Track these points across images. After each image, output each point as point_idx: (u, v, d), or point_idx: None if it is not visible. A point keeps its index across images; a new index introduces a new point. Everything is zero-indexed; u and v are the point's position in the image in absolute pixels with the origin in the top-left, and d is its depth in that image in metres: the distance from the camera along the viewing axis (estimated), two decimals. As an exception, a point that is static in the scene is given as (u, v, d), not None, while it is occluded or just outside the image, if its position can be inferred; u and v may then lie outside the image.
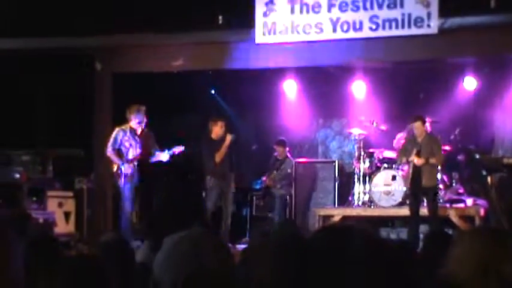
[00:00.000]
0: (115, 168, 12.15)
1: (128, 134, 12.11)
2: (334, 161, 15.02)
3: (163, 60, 13.33)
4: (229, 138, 12.58)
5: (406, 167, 12.88)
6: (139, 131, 12.18)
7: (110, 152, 12.09)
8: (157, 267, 2.38)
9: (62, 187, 13.86)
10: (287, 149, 14.44)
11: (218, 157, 12.50)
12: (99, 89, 13.54)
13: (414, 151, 11.81)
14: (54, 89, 14.66)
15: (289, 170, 14.40)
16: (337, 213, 13.30)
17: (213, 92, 16.13)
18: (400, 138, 13.32)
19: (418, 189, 11.89)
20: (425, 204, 12.03)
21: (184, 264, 2.35)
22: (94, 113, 13.54)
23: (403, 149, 12.26)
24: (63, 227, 13.32)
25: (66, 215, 13.53)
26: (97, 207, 13.46)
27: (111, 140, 12.09)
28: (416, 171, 11.82)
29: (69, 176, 13.99)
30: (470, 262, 3.48)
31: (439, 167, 12.38)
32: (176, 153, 12.44)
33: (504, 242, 3.59)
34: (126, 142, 12.10)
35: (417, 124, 11.95)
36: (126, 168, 12.01)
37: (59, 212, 13.37)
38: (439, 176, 12.52)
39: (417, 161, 11.75)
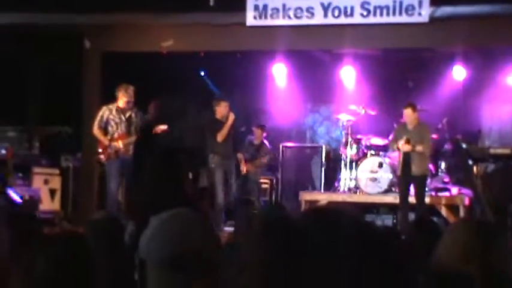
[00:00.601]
0: (101, 147, 12.14)
1: (114, 112, 12.08)
2: (321, 146, 15.04)
3: (153, 41, 13.30)
4: (231, 118, 12.57)
5: (394, 154, 12.92)
6: (127, 110, 12.15)
7: (95, 130, 12.09)
8: (143, 246, 2.38)
9: (49, 164, 13.84)
10: (264, 134, 14.48)
11: (220, 137, 12.48)
12: (88, 67, 13.50)
13: (404, 138, 11.79)
14: (44, 66, 14.61)
15: (267, 157, 14.43)
16: (323, 198, 13.31)
17: (202, 73, 16.10)
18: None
19: (407, 176, 11.85)
20: (411, 192, 12.02)
21: (170, 244, 2.35)
22: (83, 91, 13.50)
23: (394, 136, 12.21)
24: (48, 204, 13.30)
25: (52, 192, 13.51)
26: (83, 185, 13.45)
27: (97, 118, 12.09)
28: (406, 158, 11.79)
29: (56, 153, 13.97)
30: (457, 252, 3.54)
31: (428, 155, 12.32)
32: (159, 132, 12.44)
33: (489, 233, 3.66)
34: (111, 121, 12.09)
35: (407, 111, 11.88)
36: (111, 147, 12.00)
37: (44, 189, 13.35)
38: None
39: (404, 147, 11.72)
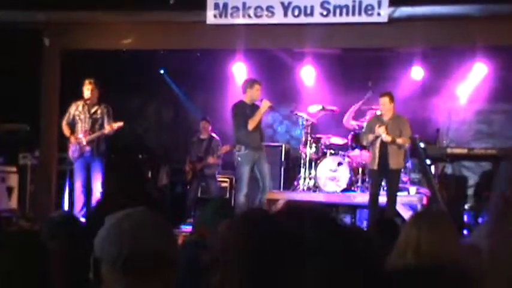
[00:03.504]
0: (68, 144, 12.12)
1: (80, 108, 12.06)
2: (281, 146, 15.05)
3: (113, 39, 13.23)
4: (266, 104, 11.62)
5: (354, 153, 12.98)
6: (92, 106, 12.07)
7: (62, 126, 12.11)
8: (98, 245, 2.37)
9: (6, 162, 13.69)
10: (210, 127, 14.19)
11: (251, 124, 11.46)
12: (47, 64, 13.39)
13: (382, 127, 11.26)
14: (2, 63, 14.45)
15: (220, 152, 13.83)
16: (282, 198, 13.31)
17: (162, 72, 16.06)
18: (350, 112, 13.40)
19: (382, 169, 11.33)
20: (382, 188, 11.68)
21: (124, 242, 2.35)
22: (42, 88, 13.39)
23: (368, 128, 11.76)
24: (5, 202, 13.16)
25: (9, 190, 13.37)
26: (41, 183, 13.33)
27: (66, 114, 12.09)
28: (384, 150, 11.31)
29: (13, 151, 13.82)
30: (397, 247, 3.64)
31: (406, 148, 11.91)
32: (115, 128, 12.14)
33: (421, 223, 3.75)
34: (77, 117, 12.09)
35: (383, 100, 11.46)
36: (76, 144, 11.97)
37: (1, 187, 13.21)
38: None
39: (385, 137, 11.23)
